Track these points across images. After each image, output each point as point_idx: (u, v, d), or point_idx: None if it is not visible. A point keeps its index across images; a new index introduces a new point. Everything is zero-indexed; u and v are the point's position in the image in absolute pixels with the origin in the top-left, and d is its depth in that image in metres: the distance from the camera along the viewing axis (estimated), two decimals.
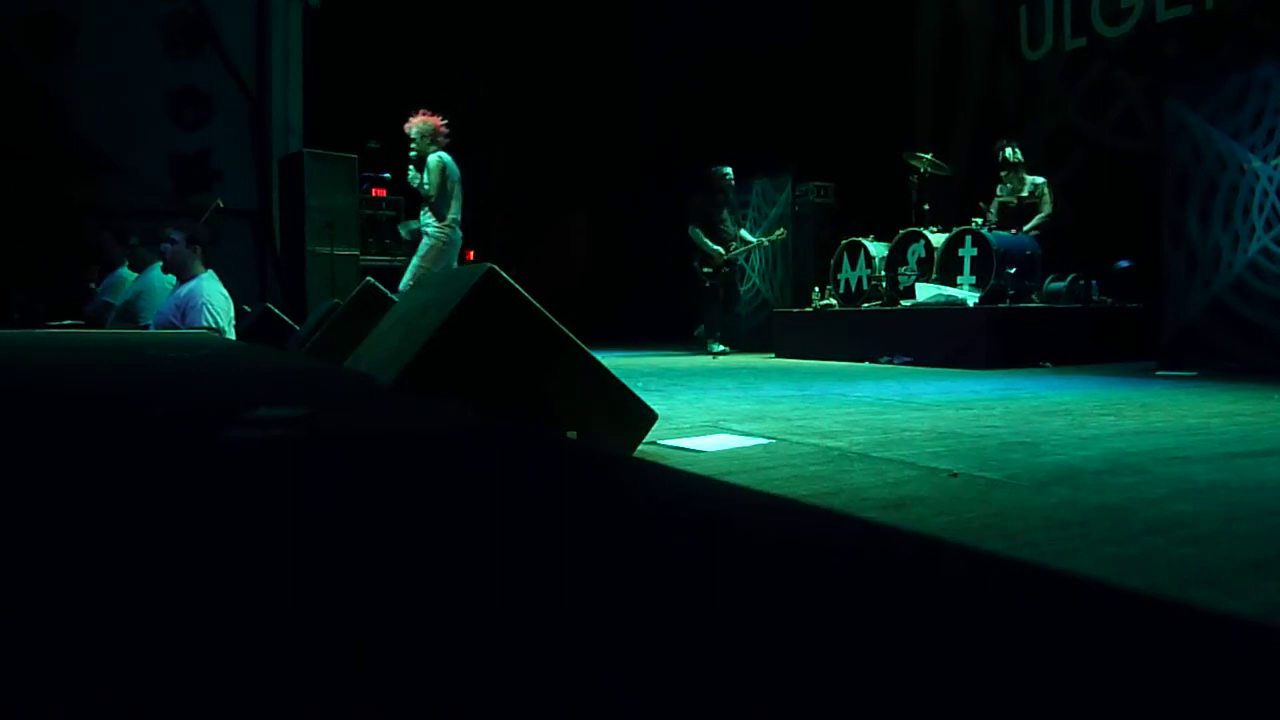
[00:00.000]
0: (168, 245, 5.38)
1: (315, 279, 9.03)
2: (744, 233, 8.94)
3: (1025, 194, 7.42)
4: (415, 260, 6.40)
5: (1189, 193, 5.67)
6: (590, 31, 12.97)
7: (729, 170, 8.83)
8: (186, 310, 5.20)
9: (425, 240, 6.40)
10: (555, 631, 0.48)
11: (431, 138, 6.36)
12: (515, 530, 0.70)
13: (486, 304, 2.13)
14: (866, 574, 0.61)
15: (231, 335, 5.37)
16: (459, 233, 6.49)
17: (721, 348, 8.65)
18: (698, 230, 8.77)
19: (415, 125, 6.38)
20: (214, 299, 5.23)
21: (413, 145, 6.38)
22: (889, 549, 0.70)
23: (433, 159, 6.30)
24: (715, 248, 8.68)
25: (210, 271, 5.44)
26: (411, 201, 8.41)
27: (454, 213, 6.42)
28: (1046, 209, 7.36)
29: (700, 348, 8.83)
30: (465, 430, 1.35)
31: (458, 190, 6.45)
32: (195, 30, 10.54)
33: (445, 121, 6.45)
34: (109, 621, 0.49)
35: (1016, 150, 7.52)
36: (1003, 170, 7.54)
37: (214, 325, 5.13)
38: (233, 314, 5.45)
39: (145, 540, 0.67)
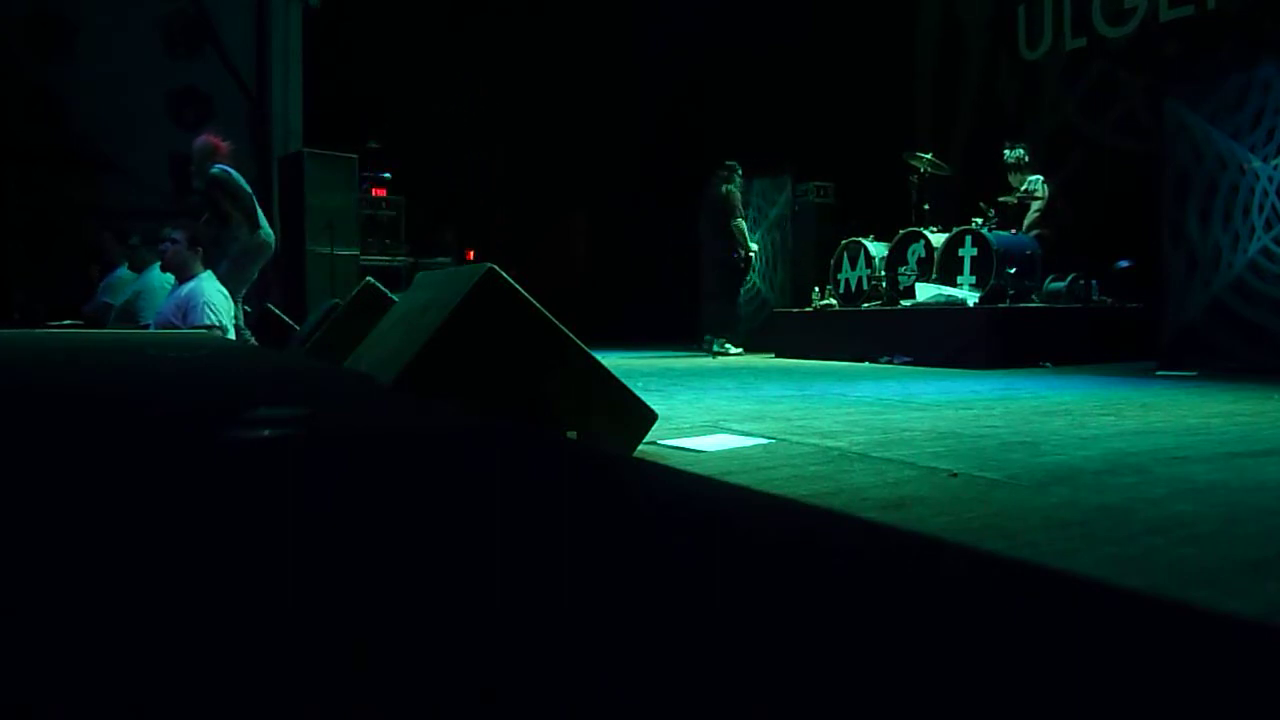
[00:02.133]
0: (168, 245, 5.39)
1: (315, 279, 9.02)
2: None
3: (1023, 191, 7.44)
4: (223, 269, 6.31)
5: (1189, 193, 5.67)
6: (590, 31, 12.97)
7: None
8: (188, 310, 5.20)
9: (234, 246, 6.26)
10: (555, 631, 0.48)
11: (208, 156, 6.25)
12: (515, 530, 0.70)
13: (486, 304, 2.13)
14: (866, 574, 0.61)
15: (233, 334, 5.38)
16: (272, 236, 6.40)
17: (738, 349, 8.63)
18: (743, 223, 8.85)
19: (198, 144, 6.26)
20: (214, 298, 5.24)
21: (195, 162, 6.28)
22: (889, 549, 0.70)
23: (217, 171, 6.19)
24: (753, 244, 8.86)
25: (209, 272, 5.46)
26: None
27: (262, 221, 6.31)
28: (1039, 204, 7.38)
29: (707, 351, 8.76)
30: (465, 430, 1.35)
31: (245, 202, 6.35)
32: (195, 30, 10.55)
33: (231, 147, 6.37)
34: (109, 621, 0.49)
35: (1021, 152, 7.56)
36: (1008, 173, 7.59)
37: (217, 323, 5.14)
38: (233, 313, 5.46)
39: (146, 540, 0.67)
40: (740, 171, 8.85)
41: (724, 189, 8.75)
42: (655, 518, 0.79)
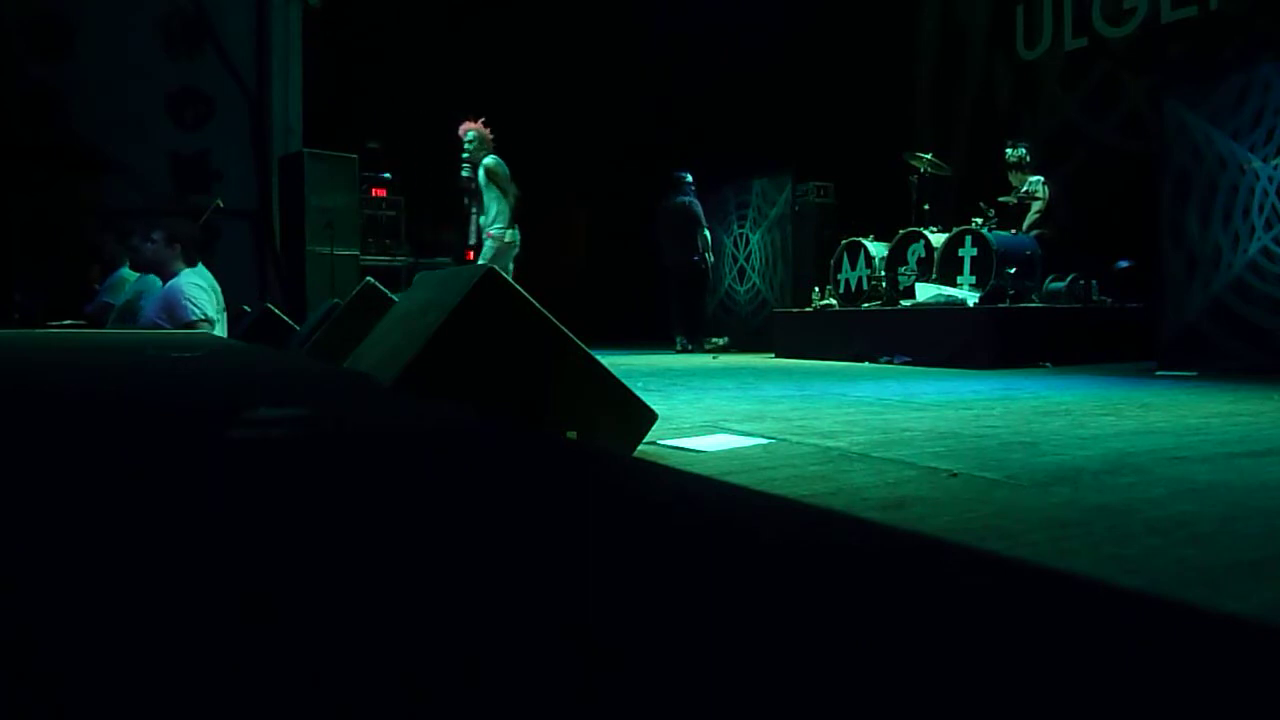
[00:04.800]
0: (148, 244, 5.37)
1: (315, 279, 9.03)
2: None
3: (1024, 192, 7.45)
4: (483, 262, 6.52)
5: (1189, 193, 5.67)
6: (590, 31, 12.96)
7: None
8: (171, 308, 5.17)
9: (489, 242, 6.49)
10: (555, 631, 0.48)
11: (483, 145, 6.50)
12: (515, 530, 0.70)
13: (486, 304, 2.13)
14: (866, 574, 0.61)
15: (223, 328, 5.36)
16: (519, 235, 6.66)
17: (714, 343, 9.12)
18: (707, 232, 9.29)
19: (472, 130, 6.52)
20: (192, 291, 5.20)
21: (467, 148, 6.53)
22: (889, 549, 0.70)
23: (491, 161, 6.41)
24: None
25: (198, 268, 5.42)
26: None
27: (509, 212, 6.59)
28: (1040, 204, 7.39)
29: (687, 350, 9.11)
30: (465, 430, 1.35)
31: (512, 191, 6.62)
32: (195, 30, 10.53)
33: (493, 135, 6.64)
34: (109, 621, 0.49)
35: (1023, 151, 7.58)
36: (1009, 171, 7.60)
37: (202, 315, 5.10)
38: (215, 306, 5.40)
39: (145, 540, 0.67)
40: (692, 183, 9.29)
41: (685, 201, 9.09)
42: (655, 518, 0.79)
